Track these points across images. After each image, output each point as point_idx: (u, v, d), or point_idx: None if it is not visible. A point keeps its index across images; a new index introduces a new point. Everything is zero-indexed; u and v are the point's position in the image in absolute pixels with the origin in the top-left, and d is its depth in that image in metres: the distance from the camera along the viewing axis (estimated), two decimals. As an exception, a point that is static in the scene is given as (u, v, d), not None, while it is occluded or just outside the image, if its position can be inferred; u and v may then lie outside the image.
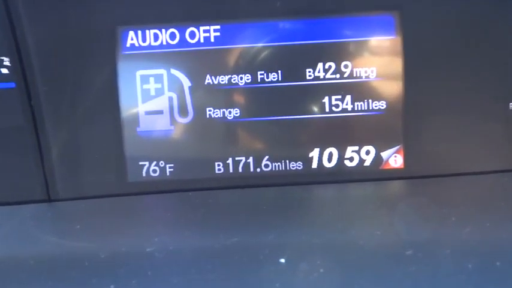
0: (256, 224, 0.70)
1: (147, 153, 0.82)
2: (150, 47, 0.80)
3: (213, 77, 0.79)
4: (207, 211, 0.76)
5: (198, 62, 0.80)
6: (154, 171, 0.81)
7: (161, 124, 0.81)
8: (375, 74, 0.79)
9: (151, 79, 0.80)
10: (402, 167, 0.80)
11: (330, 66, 0.79)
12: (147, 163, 0.81)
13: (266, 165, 0.81)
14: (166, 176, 0.81)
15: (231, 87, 0.79)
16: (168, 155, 0.81)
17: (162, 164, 0.81)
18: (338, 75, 0.79)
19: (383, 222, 0.69)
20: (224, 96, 0.80)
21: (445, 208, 0.68)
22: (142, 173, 0.81)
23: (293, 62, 0.79)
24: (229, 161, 0.81)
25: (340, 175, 0.81)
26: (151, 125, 0.81)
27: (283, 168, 0.81)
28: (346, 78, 0.79)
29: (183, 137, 0.81)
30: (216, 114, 0.80)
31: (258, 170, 0.81)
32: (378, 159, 0.80)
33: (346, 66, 0.79)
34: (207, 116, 0.80)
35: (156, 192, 0.81)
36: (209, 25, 0.79)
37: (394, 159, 0.80)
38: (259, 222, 0.70)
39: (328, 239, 0.64)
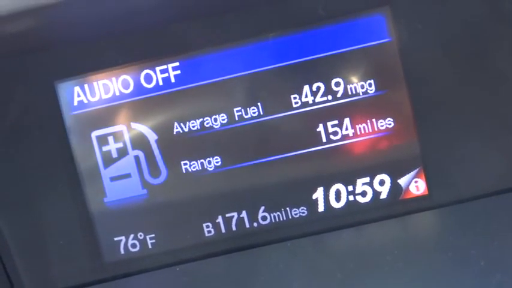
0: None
1: (122, 226, 0.69)
2: (101, 101, 0.67)
3: (182, 125, 0.66)
4: (201, 286, 0.63)
5: (160, 109, 0.67)
6: (134, 245, 0.69)
7: (131, 190, 0.68)
8: (373, 88, 0.65)
9: (110, 139, 0.68)
10: (426, 193, 0.66)
11: (318, 88, 0.65)
12: (123, 238, 0.69)
13: (264, 218, 0.67)
14: (148, 250, 0.69)
15: (205, 132, 0.66)
16: (146, 224, 0.69)
17: (141, 236, 0.69)
18: (330, 97, 0.66)
19: (414, 273, 0.54)
20: (199, 144, 0.67)
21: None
22: (120, 251, 0.69)
23: (273, 89, 0.66)
24: (219, 219, 0.68)
25: (353, 216, 0.67)
26: (119, 192, 0.68)
27: (285, 218, 0.68)
28: (340, 98, 0.66)
29: (160, 200, 0.68)
30: (194, 168, 0.67)
31: (255, 224, 0.68)
32: (395, 188, 0.67)
33: (337, 84, 0.65)
34: (184, 171, 0.67)
35: (140, 272, 0.68)
36: (166, 63, 0.66)
37: (415, 185, 0.66)
38: None
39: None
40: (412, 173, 0.66)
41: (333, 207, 0.67)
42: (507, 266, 0.51)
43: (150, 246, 0.69)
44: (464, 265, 0.53)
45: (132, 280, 0.68)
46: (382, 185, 0.66)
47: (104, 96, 0.67)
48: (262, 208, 0.68)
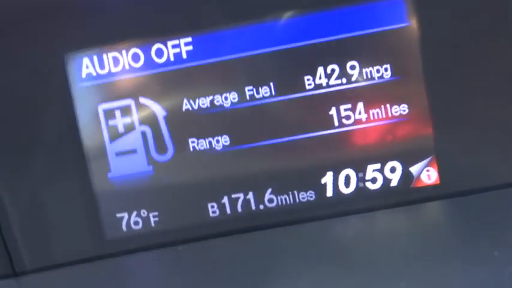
0: (266, 278, 0.57)
1: (125, 202, 0.68)
2: (110, 74, 0.66)
3: (191, 101, 0.65)
4: (203, 267, 0.62)
5: (171, 85, 0.65)
6: (136, 223, 0.67)
7: (137, 166, 0.67)
8: (389, 73, 0.63)
9: (118, 113, 0.66)
10: (438, 182, 0.65)
11: (333, 70, 0.64)
12: (126, 215, 0.67)
13: (270, 200, 0.66)
14: (151, 228, 0.67)
15: (215, 110, 0.65)
16: (150, 202, 0.67)
17: (144, 213, 0.67)
18: (344, 80, 0.64)
19: (423, 262, 0.53)
20: (208, 122, 0.66)
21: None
22: (122, 227, 0.68)
23: (287, 70, 0.65)
24: (225, 200, 0.67)
25: (363, 202, 0.66)
26: (124, 168, 0.67)
27: (292, 201, 0.66)
28: (354, 82, 0.64)
29: (165, 178, 0.66)
30: (202, 146, 0.65)
31: (261, 206, 0.66)
32: (406, 176, 0.65)
33: (353, 68, 0.63)
34: (191, 150, 0.65)
35: (142, 250, 0.66)
36: (178, 38, 0.65)
37: (427, 174, 0.65)
38: (268, 275, 0.57)
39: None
40: (424, 162, 0.65)
41: (341, 192, 0.66)
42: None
43: (153, 224, 0.67)
44: (476, 256, 0.52)
45: (132, 257, 0.67)
46: (393, 172, 0.65)
47: (113, 70, 0.66)
48: (270, 190, 0.66)
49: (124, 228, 0.68)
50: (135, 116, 0.66)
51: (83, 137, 0.67)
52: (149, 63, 0.65)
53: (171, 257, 0.66)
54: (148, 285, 0.62)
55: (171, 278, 0.62)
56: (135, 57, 0.65)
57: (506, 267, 0.49)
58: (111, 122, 0.66)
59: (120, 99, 0.66)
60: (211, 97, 0.65)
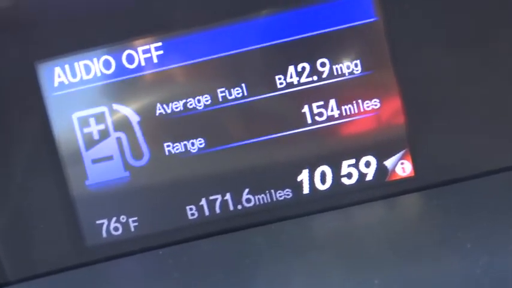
0: (246, 278, 0.57)
1: (104, 209, 0.68)
2: (82, 82, 0.66)
3: (164, 106, 0.65)
4: (184, 270, 0.62)
5: (143, 90, 0.65)
6: (116, 229, 0.67)
7: (113, 172, 0.67)
8: (360, 68, 0.63)
9: (92, 120, 0.66)
10: (412, 174, 0.65)
11: (303, 68, 0.64)
12: (105, 221, 0.67)
13: (248, 200, 0.66)
14: (131, 233, 0.68)
15: (188, 113, 0.65)
16: (128, 207, 0.68)
17: (123, 219, 0.67)
18: (315, 77, 0.64)
19: (400, 254, 0.53)
20: (182, 126, 0.66)
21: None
22: (102, 234, 0.68)
23: (258, 70, 0.65)
24: (203, 202, 0.67)
25: (339, 198, 0.66)
26: (101, 175, 0.67)
27: (269, 200, 0.66)
28: (325, 79, 0.64)
29: (143, 182, 0.67)
30: (177, 149, 0.65)
31: (239, 207, 0.67)
32: (381, 170, 0.66)
33: (323, 65, 0.64)
34: (167, 153, 0.66)
35: (123, 255, 0.66)
36: (148, 44, 0.65)
37: (402, 166, 0.65)
38: (249, 275, 0.57)
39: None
40: (399, 155, 0.65)
41: (318, 189, 0.66)
42: (494, 248, 0.50)
43: (132, 229, 0.68)
44: (451, 247, 0.52)
45: (114, 263, 0.67)
46: (368, 166, 0.65)
47: (85, 77, 0.66)
48: (247, 190, 0.66)
49: (104, 234, 0.68)
50: (109, 123, 0.66)
51: (59, 146, 0.67)
52: (120, 69, 0.65)
53: (152, 261, 0.66)
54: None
55: (153, 282, 0.62)
56: (107, 64, 0.65)
57: (479, 258, 0.49)
58: (86, 130, 0.66)
59: (93, 106, 0.66)
60: (184, 100, 0.65)
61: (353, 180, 0.66)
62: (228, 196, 0.66)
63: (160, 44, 0.65)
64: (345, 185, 0.66)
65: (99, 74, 0.65)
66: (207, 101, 0.65)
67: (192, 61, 0.65)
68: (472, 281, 0.47)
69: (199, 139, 0.65)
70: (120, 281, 0.65)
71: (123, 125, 0.66)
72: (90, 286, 0.65)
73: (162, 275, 0.62)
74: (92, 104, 0.66)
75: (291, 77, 0.64)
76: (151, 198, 0.67)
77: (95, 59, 0.65)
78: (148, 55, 0.65)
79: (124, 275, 0.66)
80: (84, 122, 0.66)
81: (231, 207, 0.67)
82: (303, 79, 0.64)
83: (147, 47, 0.65)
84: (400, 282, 0.49)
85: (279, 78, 0.64)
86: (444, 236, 0.54)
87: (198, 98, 0.65)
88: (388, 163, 0.65)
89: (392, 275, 0.51)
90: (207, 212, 0.67)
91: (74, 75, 0.66)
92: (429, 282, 0.48)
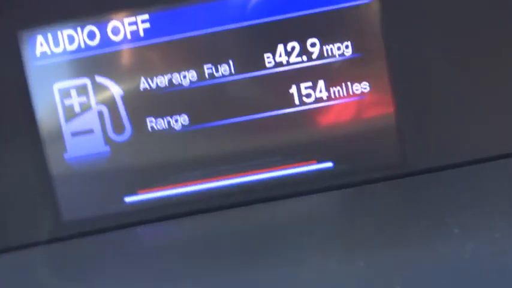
0: (226, 258, 0.56)
1: (82, 183, 0.65)
2: (65, 52, 0.64)
3: (149, 80, 0.63)
4: (163, 248, 0.61)
5: (128, 63, 0.64)
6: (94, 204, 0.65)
7: (93, 146, 0.65)
8: (350, 50, 0.62)
9: (73, 92, 0.64)
10: (401, 160, 0.64)
11: (293, 48, 0.62)
12: (83, 196, 0.65)
13: (230, 179, 0.64)
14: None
15: (173, 89, 0.63)
16: (108, 182, 0.65)
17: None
18: (305, 57, 0.63)
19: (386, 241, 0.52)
20: (166, 101, 0.64)
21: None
22: (79, 209, 0.65)
23: (246, 47, 0.63)
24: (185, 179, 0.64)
25: (325, 181, 0.65)
26: (81, 148, 0.65)
27: (252, 180, 0.64)
28: (315, 59, 0.63)
29: (123, 158, 0.64)
30: (160, 126, 0.64)
31: (222, 186, 0.64)
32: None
33: (313, 45, 0.62)
34: (149, 129, 0.64)
35: (100, 232, 0.64)
36: (135, 15, 0.63)
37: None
38: (225, 256, 0.56)
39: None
40: (387, 140, 0.64)
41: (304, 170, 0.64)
42: (481, 234, 0.49)
43: (111, 206, 0.66)
44: (438, 233, 0.51)
45: (90, 239, 0.65)
46: (356, 151, 0.64)
47: (68, 48, 0.64)
48: (229, 169, 0.65)
49: (81, 209, 0.66)
50: (91, 96, 0.64)
51: (38, 117, 0.65)
52: (105, 41, 0.64)
53: (128, 238, 0.64)
54: (106, 267, 0.61)
55: (129, 260, 0.60)
56: (91, 35, 0.63)
57: (466, 244, 0.48)
58: (66, 102, 0.65)
59: (75, 78, 0.64)
60: (169, 76, 0.64)
61: (340, 164, 0.64)
62: (210, 175, 0.65)
63: (147, 16, 0.63)
64: (331, 168, 0.64)
65: (83, 45, 0.64)
66: (192, 77, 0.63)
67: (179, 36, 0.63)
68: (459, 265, 0.46)
69: (183, 116, 0.64)
70: (96, 256, 0.64)
71: (106, 98, 0.64)
72: (66, 260, 0.63)
73: (139, 252, 0.61)
74: (74, 75, 0.64)
75: (280, 56, 0.63)
76: (131, 174, 0.65)
77: (79, 29, 0.63)
78: (134, 28, 0.63)
79: (100, 251, 0.64)
80: (65, 93, 0.64)
81: (213, 187, 0.65)
82: (292, 59, 0.63)
83: (133, 19, 0.63)
84: (387, 264, 0.48)
85: (268, 57, 0.63)
86: (431, 222, 0.53)
87: (183, 73, 0.63)
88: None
89: (379, 258, 0.50)
90: (188, 190, 0.65)
91: (56, 45, 0.64)
92: (416, 265, 0.47)
